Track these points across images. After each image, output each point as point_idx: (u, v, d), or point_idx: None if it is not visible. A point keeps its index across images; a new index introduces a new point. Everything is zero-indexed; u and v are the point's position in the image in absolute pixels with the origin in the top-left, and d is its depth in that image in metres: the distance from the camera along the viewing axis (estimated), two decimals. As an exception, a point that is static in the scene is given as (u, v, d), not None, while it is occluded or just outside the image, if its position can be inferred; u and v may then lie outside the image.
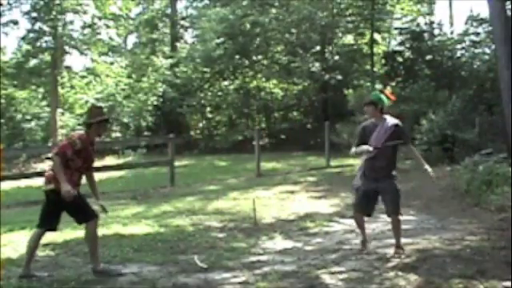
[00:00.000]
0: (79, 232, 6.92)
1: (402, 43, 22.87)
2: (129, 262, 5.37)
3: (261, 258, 5.51)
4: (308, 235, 6.61)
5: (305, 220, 7.20)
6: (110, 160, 19.77)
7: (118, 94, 23.44)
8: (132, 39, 31.00)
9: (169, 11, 27.89)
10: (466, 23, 22.55)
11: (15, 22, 23.10)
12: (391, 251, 5.43)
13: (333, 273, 4.84)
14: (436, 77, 20.28)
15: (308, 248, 5.94)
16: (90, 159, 5.02)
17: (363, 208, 5.52)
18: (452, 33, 24.75)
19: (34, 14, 22.66)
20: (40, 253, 5.85)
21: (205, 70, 23.82)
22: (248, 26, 22.52)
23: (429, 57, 21.39)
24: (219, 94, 24.35)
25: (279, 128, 23.07)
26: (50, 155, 5.07)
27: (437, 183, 8.57)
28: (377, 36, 23.71)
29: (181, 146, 19.06)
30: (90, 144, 4.99)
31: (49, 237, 6.68)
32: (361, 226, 5.70)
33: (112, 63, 27.12)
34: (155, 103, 23.23)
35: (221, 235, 6.63)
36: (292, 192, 10.38)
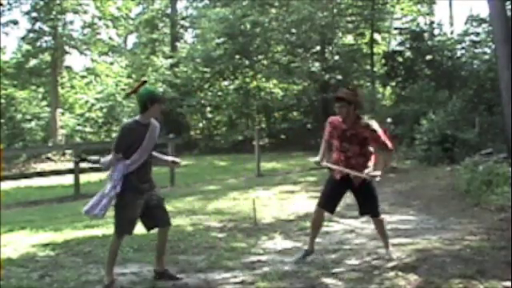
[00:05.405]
0: (79, 232, 6.94)
1: (402, 43, 22.91)
2: (129, 262, 5.36)
3: (261, 257, 5.50)
4: (308, 235, 6.57)
5: (305, 220, 7.18)
6: (110, 160, 19.75)
7: (118, 94, 23.45)
8: (132, 39, 31.09)
9: (169, 11, 27.90)
10: (465, 23, 22.60)
11: (15, 22, 23.16)
12: (391, 251, 5.42)
13: (333, 273, 4.84)
14: (436, 77, 20.30)
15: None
16: None
17: None
18: (452, 33, 24.82)
19: (34, 14, 22.71)
20: (40, 253, 5.86)
21: (205, 69, 23.82)
22: (248, 26, 22.53)
23: (429, 57, 21.42)
24: (219, 93, 24.36)
25: (279, 128, 23.10)
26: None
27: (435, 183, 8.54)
28: (377, 36, 23.74)
29: (181, 146, 19.07)
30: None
31: (49, 237, 6.71)
32: None
33: (112, 63, 27.18)
34: (155, 103, 23.23)
35: (221, 235, 6.63)
36: (292, 192, 10.38)
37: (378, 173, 4.94)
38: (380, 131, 4.98)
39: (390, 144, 5.00)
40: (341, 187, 5.21)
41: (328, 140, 5.25)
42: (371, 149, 5.04)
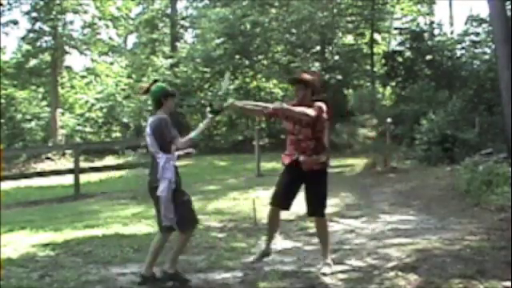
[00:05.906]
0: (79, 232, 6.93)
1: (402, 43, 22.92)
2: (129, 262, 5.36)
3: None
4: (308, 235, 6.58)
5: (305, 220, 7.17)
6: (109, 160, 19.78)
7: (118, 94, 23.45)
8: (132, 39, 31.08)
9: (169, 11, 27.91)
10: (465, 23, 22.60)
11: (15, 22, 23.18)
12: (391, 251, 5.43)
13: (333, 273, 4.84)
14: (436, 77, 20.29)
15: (308, 248, 5.93)
16: None
17: None
18: (452, 33, 24.82)
19: (34, 14, 22.73)
20: (40, 253, 5.86)
21: (205, 70, 23.82)
22: (248, 26, 22.53)
23: (429, 57, 21.42)
24: (219, 93, 24.35)
25: (279, 128, 23.05)
26: None
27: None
28: (377, 36, 23.73)
29: (181, 146, 19.08)
30: None
31: (49, 237, 6.71)
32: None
33: (112, 63, 27.19)
34: (155, 103, 23.27)
35: (221, 235, 6.63)
36: (292, 192, 10.36)
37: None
38: (318, 106, 4.82)
39: (314, 112, 4.74)
40: (292, 176, 5.00)
41: (270, 113, 5.04)
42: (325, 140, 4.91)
